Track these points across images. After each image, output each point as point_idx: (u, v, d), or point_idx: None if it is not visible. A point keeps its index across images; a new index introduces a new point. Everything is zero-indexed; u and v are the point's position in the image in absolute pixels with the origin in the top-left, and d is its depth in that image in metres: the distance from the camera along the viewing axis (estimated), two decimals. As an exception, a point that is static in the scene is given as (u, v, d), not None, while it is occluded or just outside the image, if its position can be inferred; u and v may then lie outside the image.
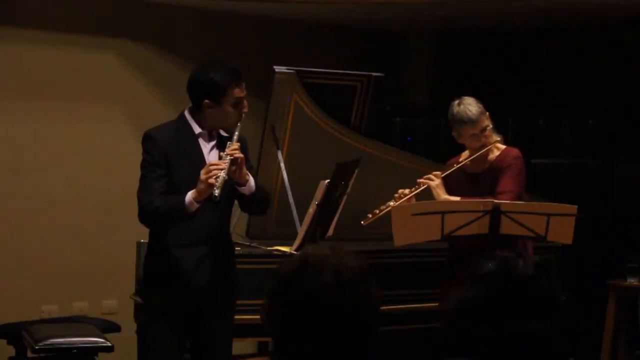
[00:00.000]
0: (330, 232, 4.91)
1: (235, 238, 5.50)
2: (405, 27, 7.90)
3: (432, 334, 5.03)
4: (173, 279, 4.08)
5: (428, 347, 5.18)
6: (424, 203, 4.80)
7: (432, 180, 4.84)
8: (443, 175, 4.87)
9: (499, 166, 4.84)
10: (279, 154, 5.53)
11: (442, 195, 4.81)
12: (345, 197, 4.91)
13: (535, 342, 1.88)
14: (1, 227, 6.32)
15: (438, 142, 7.19)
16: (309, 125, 5.74)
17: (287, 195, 5.41)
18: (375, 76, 5.93)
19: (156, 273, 4.15)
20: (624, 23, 7.20)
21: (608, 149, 7.30)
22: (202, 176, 3.92)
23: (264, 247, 5.35)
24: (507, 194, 4.72)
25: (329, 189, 4.68)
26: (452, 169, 4.89)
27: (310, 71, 5.80)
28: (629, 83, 7.31)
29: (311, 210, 4.73)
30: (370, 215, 4.85)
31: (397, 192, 4.85)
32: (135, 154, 6.73)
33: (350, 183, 4.92)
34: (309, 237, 4.77)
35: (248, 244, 5.52)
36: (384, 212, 4.81)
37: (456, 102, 4.82)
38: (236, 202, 4.26)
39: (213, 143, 4.15)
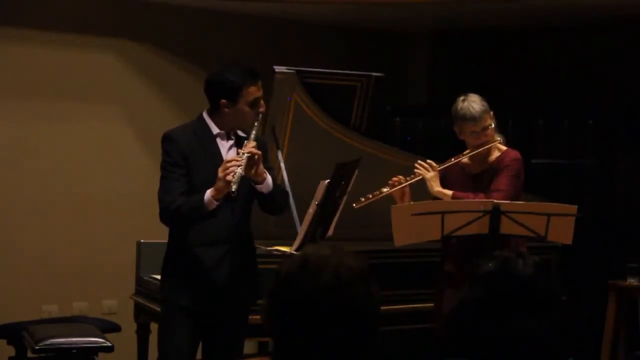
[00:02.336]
0: (330, 232, 4.91)
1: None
2: (405, 27, 7.90)
3: (431, 334, 5.04)
4: (194, 277, 4.11)
5: (428, 347, 5.17)
6: (424, 203, 4.80)
7: (428, 171, 4.87)
8: (440, 168, 4.89)
9: (497, 166, 4.85)
10: (279, 154, 5.53)
11: (436, 187, 4.84)
12: (345, 197, 4.90)
13: (535, 342, 1.88)
14: (1, 227, 6.32)
15: (438, 142, 7.18)
16: (309, 125, 5.73)
17: (287, 196, 5.40)
18: (375, 76, 5.93)
19: (177, 271, 4.17)
20: (624, 23, 7.20)
21: (608, 149, 7.30)
22: (220, 174, 3.96)
23: (264, 247, 5.34)
24: (500, 193, 4.73)
25: (329, 189, 4.68)
26: (449, 163, 4.91)
27: (310, 71, 5.80)
28: (628, 83, 7.31)
29: (311, 210, 4.73)
30: (362, 199, 4.89)
31: (391, 180, 4.89)
32: (135, 153, 6.81)
33: (351, 183, 4.92)
34: (309, 237, 4.77)
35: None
36: (377, 197, 4.87)
37: (461, 98, 4.85)
38: None
39: (231, 143, 4.20)
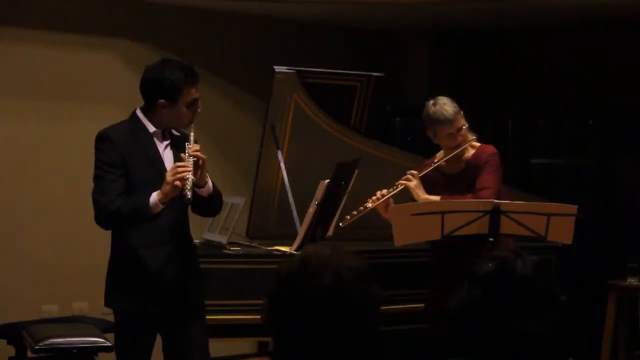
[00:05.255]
0: (330, 232, 4.92)
1: (235, 238, 5.52)
2: (405, 27, 7.90)
3: (431, 334, 5.03)
4: (141, 280, 4.01)
5: (428, 347, 5.17)
6: (423, 203, 4.80)
7: (410, 180, 4.83)
8: (420, 175, 4.84)
9: (475, 164, 4.81)
10: (279, 154, 5.53)
11: (422, 195, 4.78)
12: (345, 197, 4.91)
13: (535, 342, 1.88)
14: (1, 227, 6.32)
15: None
16: (309, 125, 5.74)
17: (287, 195, 5.41)
18: (375, 76, 5.94)
19: (123, 277, 4.06)
20: (624, 23, 7.20)
21: (608, 149, 7.30)
22: (169, 178, 3.87)
23: (264, 247, 5.35)
24: (488, 190, 4.71)
25: (329, 189, 4.69)
26: (429, 169, 4.86)
27: (310, 71, 5.81)
28: (628, 83, 7.32)
29: (311, 210, 4.74)
30: (348, 217, 4.83)
31: (374, 194, 4.82)
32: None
33: (350, 183, 4.92)
34: (309, 237, 4.78)
35: (248, 244, 5.52)
36: (361, 213, 4.79)
37: (431, 102, 4.80)
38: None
39: (167, 142, 4.09)
